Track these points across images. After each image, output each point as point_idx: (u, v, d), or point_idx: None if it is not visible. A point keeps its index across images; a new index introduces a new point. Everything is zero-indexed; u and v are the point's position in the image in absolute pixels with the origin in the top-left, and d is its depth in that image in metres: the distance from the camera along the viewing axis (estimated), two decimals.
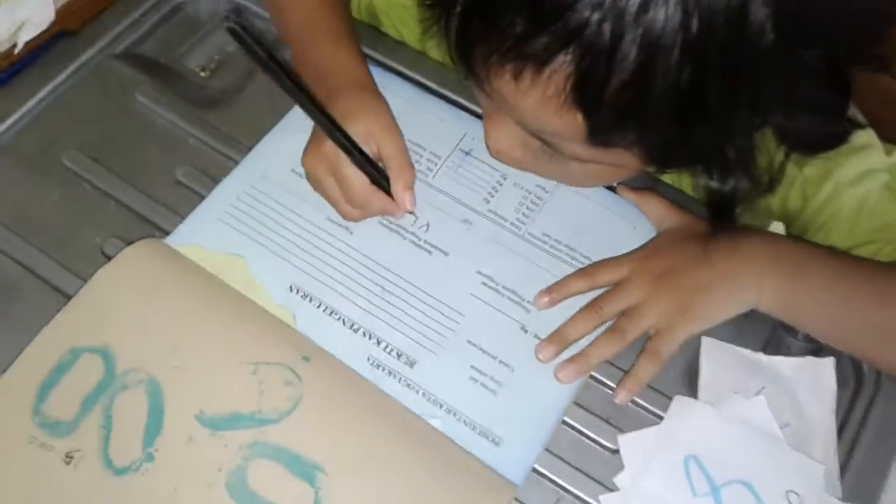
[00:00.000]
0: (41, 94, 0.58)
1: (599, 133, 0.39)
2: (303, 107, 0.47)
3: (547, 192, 0.55)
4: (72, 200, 0.55)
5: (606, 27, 0.34)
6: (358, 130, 0.50)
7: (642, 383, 0.49)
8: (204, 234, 0.52)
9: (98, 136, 0.58)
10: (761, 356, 0.53)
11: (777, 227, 0.61)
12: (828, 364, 0.52)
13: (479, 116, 0.57)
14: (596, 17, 0.33)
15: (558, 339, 0.50)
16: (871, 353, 0.51)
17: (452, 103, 0.59)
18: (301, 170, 0.53)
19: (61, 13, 0.63)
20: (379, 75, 0.57)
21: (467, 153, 0.56)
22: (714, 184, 0.43)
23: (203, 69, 0.63)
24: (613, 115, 0.37)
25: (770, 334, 0.54)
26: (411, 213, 0.53)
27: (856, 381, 0.53)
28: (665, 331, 0.49)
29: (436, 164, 0.56)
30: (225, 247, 0.51)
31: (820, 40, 0.37)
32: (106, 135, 0.58)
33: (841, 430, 0.51)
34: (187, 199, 0.55)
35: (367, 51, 0.60)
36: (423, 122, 0.57)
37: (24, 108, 0.58)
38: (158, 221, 0.54)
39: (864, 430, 0.51)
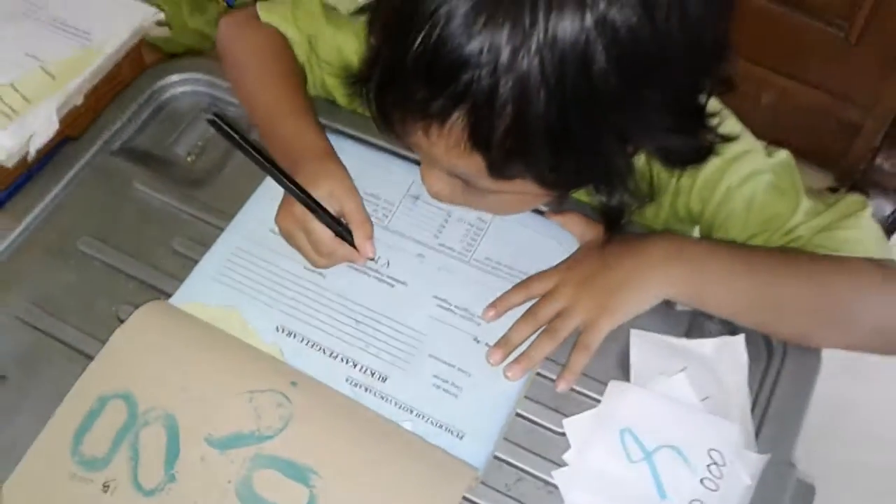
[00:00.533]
0: (53, 193, 0.68)
1: (497, 169, 0.49)
2: (273, 177, 0.57)
3: (486, 222, 0.65)
4: (87, 278, 0.65)
5: (486, 85, 0.44)
6: (321, 192, 0.60)
7: (577, 373, 0.58)
8: (201, 292, 0.62)
9: (105, 222, 0.68)
10: (683, 340, 0.62)
11: (696, 232, 0.71)
12: (739, 340, 0.61)
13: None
14: (477, 78, 0.44)
15: (504, 344, 0.59)
16: (773, 327, 0.60)
17: (400, 157, 0.69)
18: (277, 229, 0.63)
19: (65, 122, 0.74)
20: (336, 140, 0.67)
21: (416, 198, 0.66)
22: (603, 199, 0.53)
23: (189, 154, 0.74)
24: (504, 154, 0.47)
25: (691, 321, 0.63)
26: (372, 259, 0.62)
27: (767, 352, 0.62)
28: (590, 327, 0.58)
29: (390, 210, 0.66)
30: (220, 300, 0.61)
31: (660, 80, 0.47)
32: (111, 220, 0.68)
33: (757, 396, 0.60)
34: (185, 265, 0.64)
35: (324, 121, 0.70)
36: (376, 176, 0.67)
37: (39, 207, 0.68)
38: (162, 286, 0.64)
39: (776, 393, 0.60)
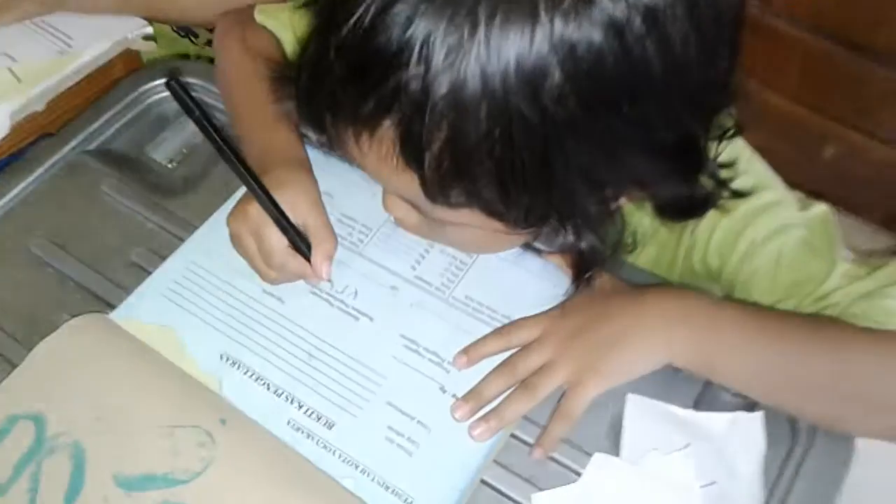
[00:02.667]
0: (15, 191, 0.64)
1: (433, 193, 0.41)
2: (230, 164, 0.51)
3: (471, 257, 0.57)
4: (34, 282, 0.59)
5: (418, 89, 0.37)
6: (286, 199, 0.53)
7: (555, 441, 0.49)
8: (143, 308, 0.55)
9: (65, 225, 0.63)
10: (689, 412, 0.52)
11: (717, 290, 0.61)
12: (756, 418, 0.51)
13: None
14: (410, 81, 0.37)
15: (474, 397, 0.51)
16: (796, 407, 0.50)
17: None
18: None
19: (44, 116, 0.70)
20: (318, 156, 0.61)
21: (398, 226, 0.59)
22: (568, 240, 0.44)
23: (170, 161, 0.69)
24: (440, 176, 0.40)
25: (702, 390, 0.53)
26: (327, 281, 0.55)
27: (791, 435, 0.52)
28: (575, 388, 0.50)
29: (366, 236, 0.59)
30: (159, 319, 0.55)
31: (634, 114, 0.39)
32: (72, 223, 0.63)
33: (773, 489, 0.50)
34: (140, 279, 0.58)
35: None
36: (357, 198, 0.61)
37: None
38: (109, 299, 0.58)
39: (796, 486, 0.50)
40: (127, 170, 0.67)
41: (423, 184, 0.41)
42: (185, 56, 0.88)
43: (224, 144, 0.51)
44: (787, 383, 0.49)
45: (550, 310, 0.53)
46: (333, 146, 0.45)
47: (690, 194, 0.47)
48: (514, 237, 0.50)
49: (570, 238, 0.46)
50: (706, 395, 0.53)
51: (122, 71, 0.74)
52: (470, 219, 0.45)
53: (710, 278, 0.58)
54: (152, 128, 0.71)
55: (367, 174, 0.46)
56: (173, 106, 0.71)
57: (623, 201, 0.48)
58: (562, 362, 0.50)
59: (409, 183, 0.42)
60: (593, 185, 0.43)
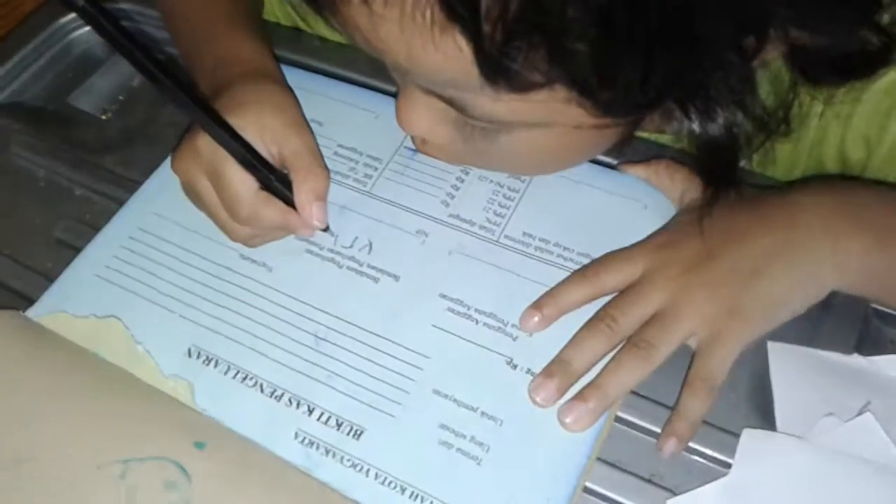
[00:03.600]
0: None
1: (495, 63, 0.26)
2: (162, 88, 0.34)
3: (523, 181, 0.42)
4: None
5: None
6: (247, 122, 0.37)
7: (694, 424, 0.34)
8: (73, 297, 0.39)
9: None
10: (856, 358, 0.37)
11: None
12: None
13: None
14: None
15: (560, 370, 0.35)
16: None
17: (393, 95, 0.46)
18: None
19: None
20: (302, 77, 0.45)
21: (416, 150, 0.43)
22: (697, 128, 0.29)
23: (103, 112, 0.53)
24: (504, 26, 0.24)
25: (862, 326, 0.38)
26: (324, 230, 0.40)
27: None
28: (710, 343, 0.34)
29: (376, 170, 0.43)
30: (96, 309, 0.38)
31: None
32: None
33: None
34: (66, 260, 0.42)
35: (289, 54, 0.49)
36: (356, 122, 0.45)
37: None
38: (29, 291, 0.42)
39: None
40: (45, 125, 0.51)
41: (478, 48, 0.26)
42: None
43: (154, 66, 0.34)
44: None
45: (646, 239, 0.38)
46: (322, 8, 0.29)
47: (852, 45, 0.32)
48: (600, 137, 0.35)
49: (693, 124, 0.30)
50: (869, 333, 0.39)
51: (31, 1, 0.58)
52: (541, 111, 0.29)
53: (847, 174, 0.42)
54: (76, 72, 0.55)
55: (377, 51, 0.30)
56: (99, 43, 0.55)
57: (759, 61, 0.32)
58: (683, 308, 0.35)
59: (452, 52, 0.27)
60: (741, 22, 0.27)
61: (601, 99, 0.29)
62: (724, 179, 0.33)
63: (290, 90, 0.42)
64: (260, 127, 0.38)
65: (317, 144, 0.40)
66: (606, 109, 0.30)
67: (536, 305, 0.37)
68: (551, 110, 0.30)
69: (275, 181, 0.38)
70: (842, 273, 0.35)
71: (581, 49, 0.26)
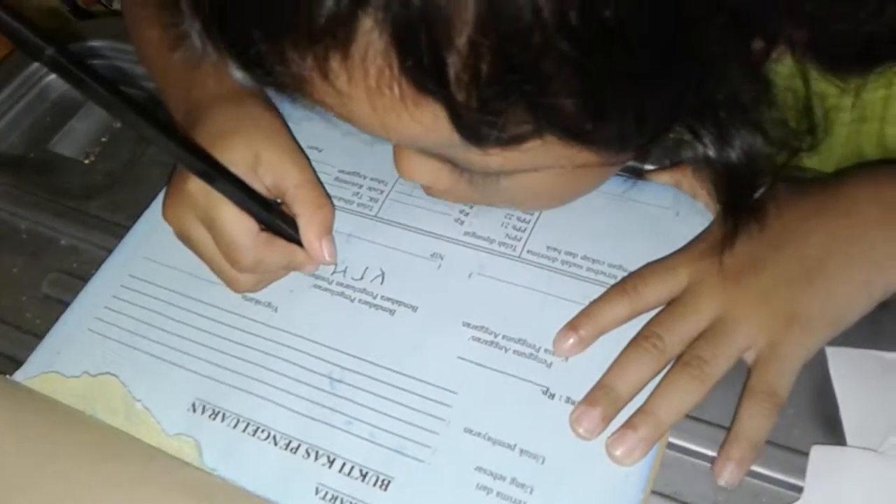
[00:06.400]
0: None
1: (472, 125, 0.23)
2: (142, 132, 0.31)
3: None
4: None
5: None
6: (238, 156, 0.34)
7: (756, 445, 0.30)
8: (64, 355, 0.36)
9: None
10: None
11: None
12: None
13: None
14: None
15: (604, 397, 0.32)
16: None
17: None
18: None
19: None
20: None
21: None
22: (712, 153, 0.26)
23: (87, 156, 0.50)
24: (478, 91, 0.22)
25: None
26: (331, 263, 0.37)
27: None
28: (769, 356, 0.31)
29: (381, 193, 0.40)
30: (90, 366, 0.35)
31: None
32: None
33: None
34: (55, 315, 0.39)
35: None
36: (355, 146, 0.42)
37: None
38: (16, 352, 0.38)
39: None
40: (26, 173, 0.48)
41: (454, 116, 0.23)
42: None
43: (122, 100, 0.30)
44: None
45: (688, 246, 0.35)
46: (286, 90, 0.26)
47: (861, 33, 0.29)
48: (606, 169, 0.32)
49: (707, 150, 0.27)
50: None
51: (4, 47, 0.55)
52: (537, 157, 0.27)
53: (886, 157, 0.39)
54: (54, 116, 0.52)
55: (355, 126, 0.27)
56: None
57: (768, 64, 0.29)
58: (736, 320, 0.31)
59: (429, 122, 0.24)
60: (745, 27, 0.24)
61: (597, 142, 0.26)
62: (745, 208, 0.30)
63: (274, 108, 0.38)
64: (252, 159, 0.35)
65: (314, 172, 0.37)
66: (606, 150, 0.27)
67: (571, 326, 0.33)
68: (549, 154, 0.26)
69: (276, 221, 0.34)
70: None
71: (564, 101, 0.23)
